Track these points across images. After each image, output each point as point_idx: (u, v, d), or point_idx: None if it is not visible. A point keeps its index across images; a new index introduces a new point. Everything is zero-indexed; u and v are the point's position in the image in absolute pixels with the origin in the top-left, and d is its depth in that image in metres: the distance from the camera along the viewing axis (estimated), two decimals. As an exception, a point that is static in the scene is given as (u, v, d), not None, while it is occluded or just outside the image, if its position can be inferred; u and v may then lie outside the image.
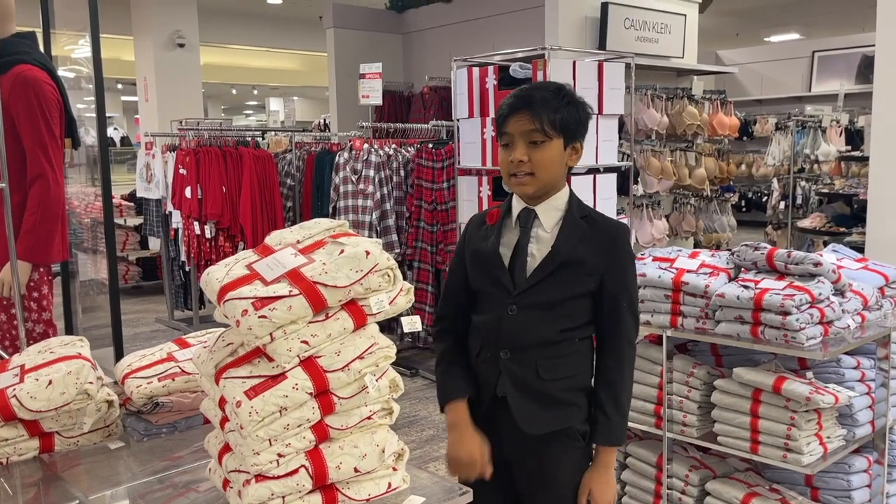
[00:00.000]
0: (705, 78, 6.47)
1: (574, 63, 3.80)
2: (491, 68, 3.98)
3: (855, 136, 8.47)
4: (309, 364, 1.33)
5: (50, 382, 1.55)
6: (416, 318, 1.57)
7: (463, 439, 1.75)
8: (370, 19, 8.27)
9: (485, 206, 4.16)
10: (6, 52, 2.57)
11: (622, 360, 1.78)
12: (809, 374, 2.43)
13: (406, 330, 1.55)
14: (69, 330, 3.75)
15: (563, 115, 1.71)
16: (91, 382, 1.58)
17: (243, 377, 1.32)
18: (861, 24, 10.82)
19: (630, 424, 2.78)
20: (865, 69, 10.79)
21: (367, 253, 1.38)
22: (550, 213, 1.76)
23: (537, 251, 1.75)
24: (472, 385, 1.81)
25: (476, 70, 4.05)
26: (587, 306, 1.77)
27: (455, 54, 4.35)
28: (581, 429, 1.80)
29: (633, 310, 1.79)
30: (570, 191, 1.81)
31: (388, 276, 1.42)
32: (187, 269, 6.09)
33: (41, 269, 2.79)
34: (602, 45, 5.68)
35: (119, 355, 3.16)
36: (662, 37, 6.15)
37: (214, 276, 1.40)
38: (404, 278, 2.27)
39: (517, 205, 1.80)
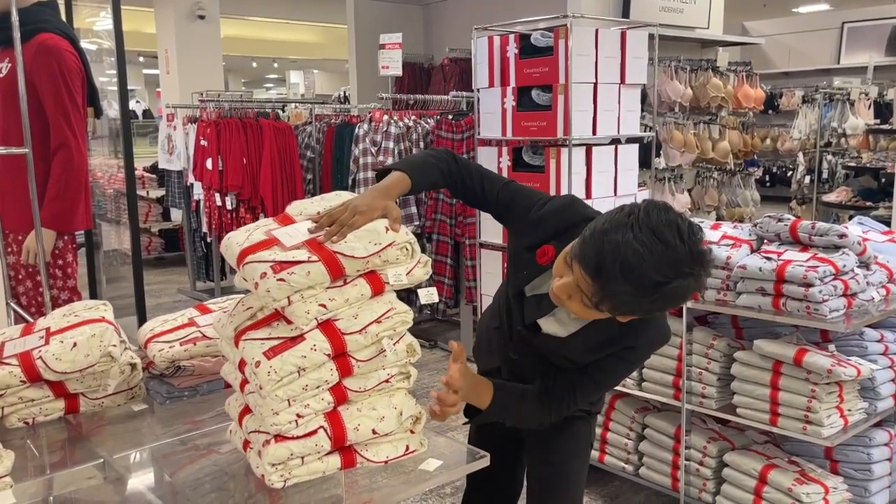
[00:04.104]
0: (731, 49, 6.31)
1: (597, 31, 3.74)
2: (512, 37, 3.92)
3: (884, 109, 8.31)
4: (327, 326, 1.34)
5: (75, 345, 1.57)
6: (433, 290, 1.57)
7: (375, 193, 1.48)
8: (390, -10, 8.17)
9: (504, 176, 4.12)
10: (28, 21, 2.57)
11: (555, 402, 1.60)
12: (832, 346, 2.40)
13: (423, 301, 1.55)
14: (94, 299, 3.80)
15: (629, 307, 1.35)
16: (114, 345, 1.60)
17: (262, 339, 1.33)
18: (893, -6, 10.51)
19: (648, 396, 2.79)
20: (896, 41, 10.52)
21: (387, 228, 1.40)
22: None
23: (552, 324, 1.60)
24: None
25: (497, 39, 3.99)
26: None
27: (476, 25, 4.29)
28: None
29: (598, 382, 1.63)
30: None
31: (407, 249, 1.42)
32: (209, 240, 6.14)
33: (65, 238, 2.82)
34: (626, 14, 5.57)
35: (142, 324, 3.20)
36: (687, 7, 6.01)
37: (235, 241, 1.41)
38: (423, 251, 2.27)
39: None
